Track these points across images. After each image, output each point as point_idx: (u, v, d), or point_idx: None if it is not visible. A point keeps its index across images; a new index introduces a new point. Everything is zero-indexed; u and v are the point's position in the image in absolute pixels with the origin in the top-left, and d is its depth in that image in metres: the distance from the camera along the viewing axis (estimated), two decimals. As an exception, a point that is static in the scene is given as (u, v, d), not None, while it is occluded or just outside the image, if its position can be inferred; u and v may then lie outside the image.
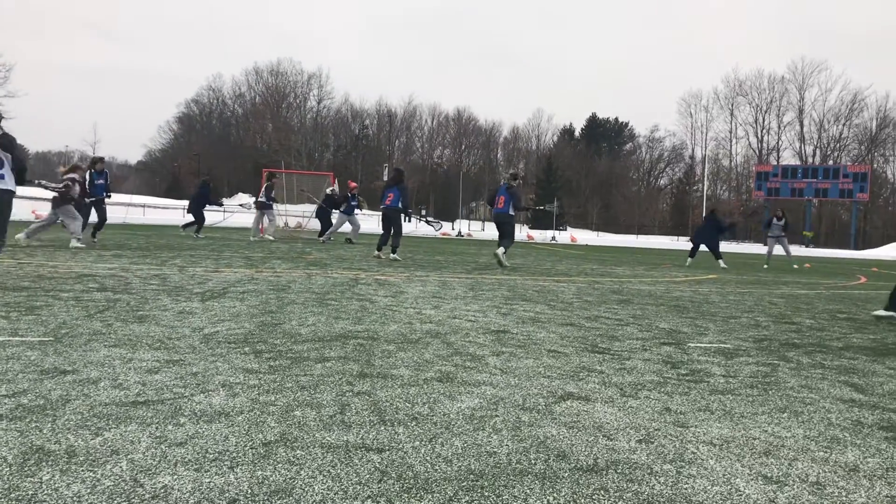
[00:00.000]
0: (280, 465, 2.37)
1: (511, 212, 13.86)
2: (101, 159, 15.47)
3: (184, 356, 3.99)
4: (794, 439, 3.00)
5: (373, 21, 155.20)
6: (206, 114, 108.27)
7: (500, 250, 13.52)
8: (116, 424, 2.71)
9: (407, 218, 19.03)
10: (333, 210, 21.88)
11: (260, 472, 2.30)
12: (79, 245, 12.65)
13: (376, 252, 14.27)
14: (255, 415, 2.93)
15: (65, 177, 13.25)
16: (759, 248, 53.87)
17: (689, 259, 19.33)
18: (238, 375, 3.59)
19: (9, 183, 7.79)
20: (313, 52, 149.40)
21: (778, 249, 21.94)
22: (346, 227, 21.84)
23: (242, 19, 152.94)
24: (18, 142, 7.93)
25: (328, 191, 22.47)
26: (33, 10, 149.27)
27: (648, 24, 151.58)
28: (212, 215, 43.71)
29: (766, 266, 20.60)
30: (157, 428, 2.69)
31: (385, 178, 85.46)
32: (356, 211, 21.65)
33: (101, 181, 14.87)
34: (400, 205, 14.29)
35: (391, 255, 14.02)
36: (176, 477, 2.22)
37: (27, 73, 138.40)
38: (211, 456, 2.42)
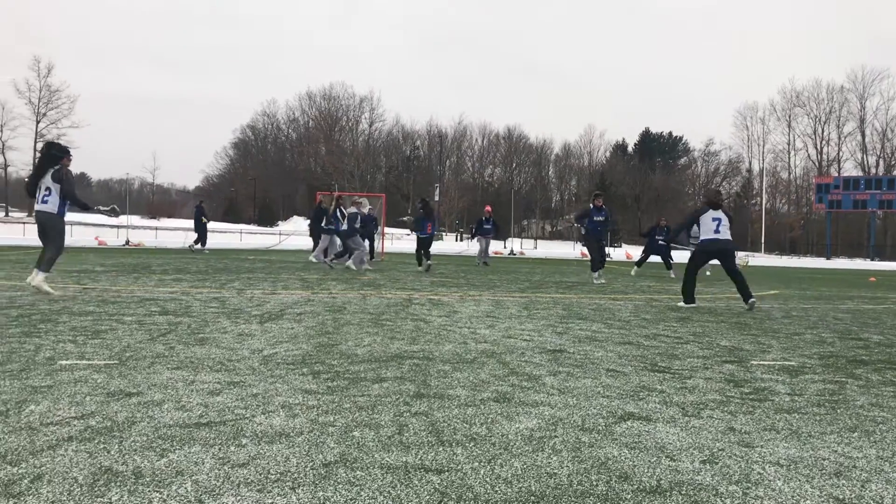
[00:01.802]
0: (341, 486, 2.38)
1: (583, 231, 14.23)
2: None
3: (244, 378, 4.06)
4: (866, 460, 2.90)
5: (422, 42, 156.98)
6: (261, 139, 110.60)
7: (594, 275, 14.39)
8: (181, 446, 2.76)
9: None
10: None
11: (321, 493, 2.31)
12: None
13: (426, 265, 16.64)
14: (315, 435, 2.95)
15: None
16: (821, 262, 52.44)
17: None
18: (297, 396, 3.63)
19: (51, 207, 8.69)
20: (365, 75, 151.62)
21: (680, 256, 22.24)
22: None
23: (295, 45, 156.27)
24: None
25: (366, 210, 22.65)
26: (95, 42, 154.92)
27: (700, 36, 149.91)
28: (268, 238, 44.50)
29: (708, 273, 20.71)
30: (219, 449, 2.74)
31: (436, 198, 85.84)
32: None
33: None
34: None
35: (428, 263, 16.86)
36: (239, 498, 2.25)
37: (90, 103, 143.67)
38: (273, 477, 2.45)
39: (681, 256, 19.43)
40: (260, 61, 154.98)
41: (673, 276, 18.27)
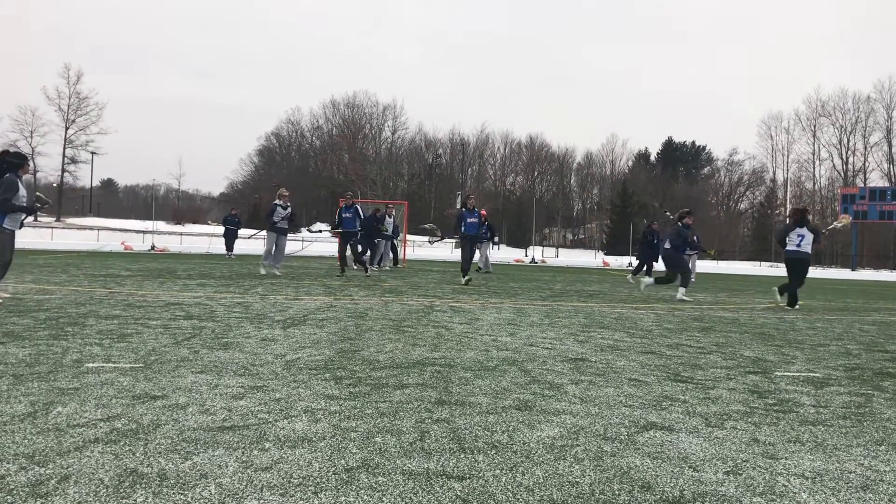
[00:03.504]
0: (363, 491, 2.39)
1: (666, 246, 14.30)
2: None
3: (267, 382, 4.09)
4: (893, 473, 2.86)
5: (446, 51, 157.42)
6: (285, 146, 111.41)
7: (680, 291, 14.19)
8: (205, 449, 2.79)
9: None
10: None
11: (343, 498, 2.32)
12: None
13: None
14: (338, 441, 2.97)
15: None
16: (846, 273, 51.85)
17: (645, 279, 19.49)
18: (320, 401, 3.65)
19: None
20: (388, 84, 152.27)
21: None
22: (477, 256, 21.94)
23: (320, 53, 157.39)
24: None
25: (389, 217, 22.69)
26: (124, 48, 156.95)
27: (725, 44, 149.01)
28: (291, 244, 44.76)
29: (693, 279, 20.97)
30: (243, 453, 2.76)
31: (458, 206, 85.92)
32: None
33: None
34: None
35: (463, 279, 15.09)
36: (262, 501, 2.27)
37: (117, 108, 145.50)
38: (296, 481, 2.47)
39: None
40: (285, 69, 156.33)
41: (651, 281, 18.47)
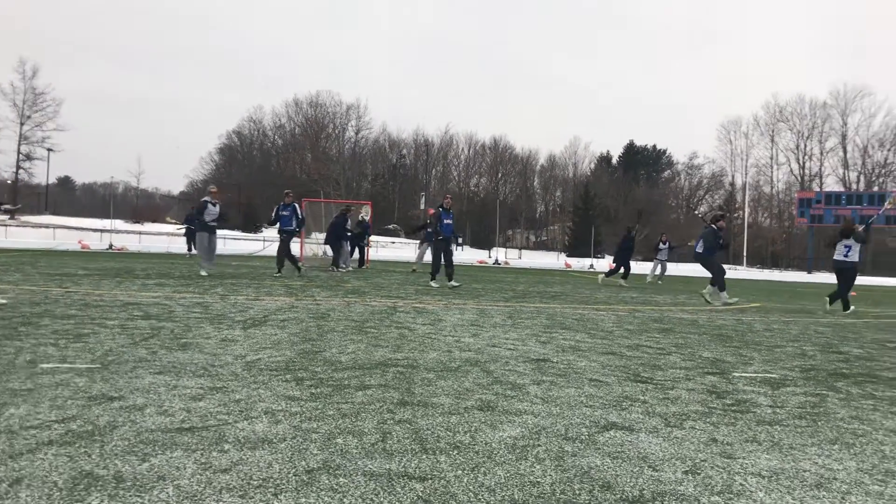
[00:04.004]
0: (323, 493, 2.37)
1: (699, 249, 14.56)
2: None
3: (227, 383, 4.04)
4: (846, 472, 2.92)
5: (410, 52, 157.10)
6: (246, 144, 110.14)
7: (707, 289, 14.51)
8: (162, 450, 2.74)
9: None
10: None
11: (304, 500, 2.30)
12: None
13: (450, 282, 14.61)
14: (298, 442, 2.94)
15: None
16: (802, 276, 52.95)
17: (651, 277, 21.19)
18: (280, 403, 3.62)
19: None
20: (351, 83, 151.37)
21: (659, 269, 23.80)
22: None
23: (283, 51, 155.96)
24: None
25: (359, 217, 22.55)
26: (80, 43, 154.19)
27: (685, 50, 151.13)
28: (252, 244, 44.34)
29: (649, 281, 22.66)
30: (202, 454, 2.72)
31: (422, 207, 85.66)
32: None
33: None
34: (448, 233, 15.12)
35: (448, 283, 14.59)
36: (221, 503, 2.24)
37: (74, 105, 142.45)
38: (255, 483, 2.44)
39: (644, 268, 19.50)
40: (247, 67, 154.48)
41: (625, 284, 19.51)
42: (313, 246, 25.65)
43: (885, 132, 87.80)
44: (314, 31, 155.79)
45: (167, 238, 39.74)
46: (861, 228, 13.65)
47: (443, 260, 14.65)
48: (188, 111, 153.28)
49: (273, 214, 15.82)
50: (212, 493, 2.32)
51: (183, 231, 25.00)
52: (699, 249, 14.49)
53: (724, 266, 16.55)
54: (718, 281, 14.30)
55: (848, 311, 12.83)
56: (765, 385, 4.87)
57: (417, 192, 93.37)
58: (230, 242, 48.39)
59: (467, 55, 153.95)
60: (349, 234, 20.45)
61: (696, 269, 24.80)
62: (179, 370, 4.37)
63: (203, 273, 14.44)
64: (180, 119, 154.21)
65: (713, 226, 14.73)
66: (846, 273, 13.24)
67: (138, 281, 12.06)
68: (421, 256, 22.01)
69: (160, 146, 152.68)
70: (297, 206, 15.79)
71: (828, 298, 13.65)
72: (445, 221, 14.70)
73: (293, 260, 15.73)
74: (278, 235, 15.58)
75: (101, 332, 5.79)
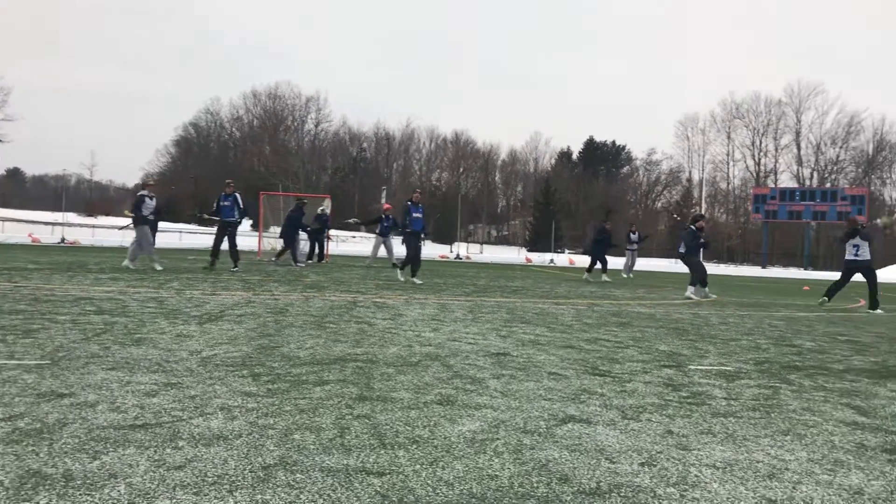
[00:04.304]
0: (280, 489, 2.34)
1: (681, 249, 14.91)
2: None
3: (181, 379, 3.97)
4: (797, 462, 2.98)
5: (370, 44, 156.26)
6: (203, 137, 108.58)
7: (689, 289, 14.69)
8: (114, 448, 2.68)
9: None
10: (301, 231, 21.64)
11: (259, 496, 2.27)
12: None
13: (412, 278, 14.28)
14: (254, 438, 2.90)
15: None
16: (758, 270, 54.00)
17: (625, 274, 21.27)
18: (236, 399, 3.57)
19: None
20: (311, 76, 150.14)
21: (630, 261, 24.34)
22: (383, 252, 21.63)
23: (240, 42, 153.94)
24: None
25: (319, 210, 22.30)
26: (29, 32, 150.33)
27: (645, 47, 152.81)
28: (209, 238, 43.81)
29: (625, 276, 22.79)
30: (155, 451, 2.67)
31: (383, 201, 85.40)
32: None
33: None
34: (397, 225, 14.60)
35: (412, 278, 14.27)
36: (174, 501, 2.20)
37: (24, 95, 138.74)
38: (210, 479, 2.40)
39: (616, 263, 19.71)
40: (204, 58, 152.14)
41: (591, 279, 19.72)
42: (272, 240, 25.41)
43: (836, 130, 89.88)
44: (273, 21, 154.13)
45: (121, 232, 38.98)
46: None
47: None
48: (143, 102, 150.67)
49: (214, 205, 15.41)
50: (165, 491, 2.27)
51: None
52: (681, 250, 14.89)
53: (680, 261, 16.91)
54: (700, 279, 14.65)
55: (877, 311, 12.75)
56: (720, 378, 4.95)
57: (378, 186, 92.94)
58: (186, 236, 47.69)
59: (429, 48, 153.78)
60: (307, 228, 20.21)
61: (648, 264, 25.17)
62: (133, 366, 4.28)
63: (158, 267, 14.15)
64: (135, 110, 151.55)
65: (692, 227, 15.06)
66: (864, 272, 13.22)
67: (91, 275, 11.81)
68: (375, 252, 21.84)
69: (114, 137, 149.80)
70: (238, 196, 15.29)
71: (825, 298, 13.72)
72: (415, 215, 14.40)
73: (236, 256, 15.29)
74: (219, 227, 15.17)
75: (52, 328, 5.65)
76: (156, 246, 25.79)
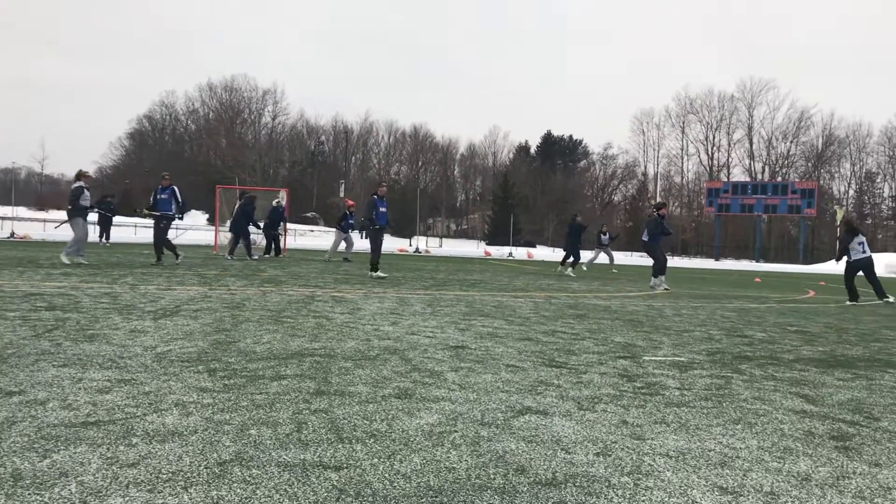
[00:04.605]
0: (236, 485, 2.33)
1: (644, 237, 15.24)
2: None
3: (136, 375, 3.91)
4: (748, 450, 3.05)
5: (328, 37, 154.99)
6: (158, 129, 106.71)
7: (653, 280, 14.99)
8: (66, 446, 2.64)
9: (362, 234, 19.07)
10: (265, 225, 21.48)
11: (215, 492, 2.25)
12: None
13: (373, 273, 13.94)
14: (210, 434, 2.87)
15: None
16: (711, 263, 54.91)
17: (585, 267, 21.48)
18: (192, 394, 3.53)
19: None
20: (268, 68, 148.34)
21: (603, 258, 25.63)
22: (342, 246, 21.51)
23: (196, 33, 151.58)
24: None
25: (274, 203, 22.01)
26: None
27: (600, 42, 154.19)
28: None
29: (585, 269, 23.21)
30: (108, 449, 2.63)
31: (342, 195, 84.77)
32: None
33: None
34: (364, 219, 14.37)
35: (371, 273, 13.93)
36: (127, 499, 2.17)
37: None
38: (164, 476, 2.37)
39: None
40: (158, 49, 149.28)
41: (585, 268, 20.75)
42: (229, 234, 25.09)
43: (787, 125, 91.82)
44: (227, 13, 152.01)
45: (63, 227, 38.25)
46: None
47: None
48: (95, 94, 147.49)
49: (152, 199, 14.94)
50: (118, 489, 2.24)
51: (96, 219, 23.99)
52: (645, 238, 15.00)
53: (636, 254, 17.19)
54: (660, 268, 14.81)
55: (892, 299, 13.47)
56: (673, 368, 5.03)
57: (337, 179, 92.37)
58: (141, 230, 46.89)
59: (386, 42, 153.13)
60: (257, 223, 19.79)
61: (605, 257, 25.50)
62: (85, 362, 4.20)
63: (84, 261, 13.49)
64: (88, 102, 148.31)
65: (657, 213, 15.21)
66: (867, 269, 13.56)
67: (42, 270, 11.55)
68: (336, 247, 21.73)
69: (66, 130, 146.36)
70: (175, 189, 14.90)
71: (848, 300, 13.61)
72: (381, 210, 14.10)
73: (171, 246, 14.91)
74: (156, 221, 14.77)
75: (1, 325, 5.52)
76: (111, 240, 25.47)
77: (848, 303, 13.40)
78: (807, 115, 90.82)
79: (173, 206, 14.83)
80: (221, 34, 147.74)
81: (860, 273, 13.75)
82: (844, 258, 13.80)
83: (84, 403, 3.26)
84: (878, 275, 14.09)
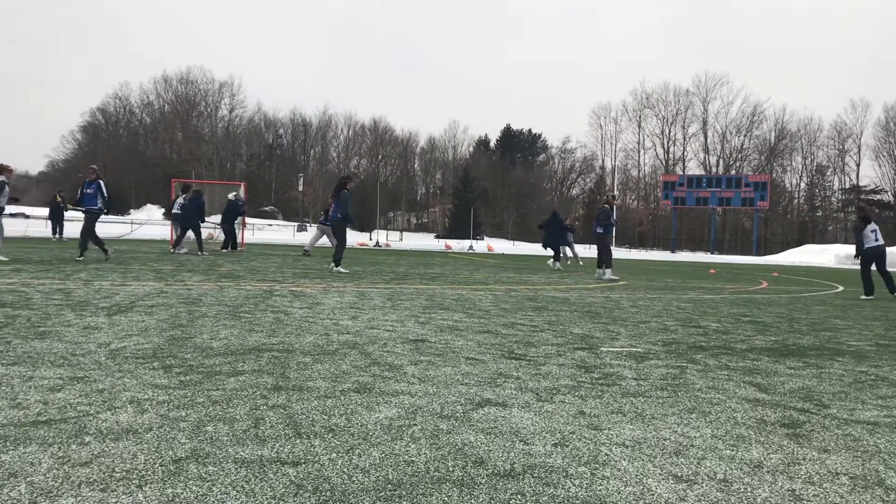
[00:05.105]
0: (191, 482, 2.30)
1: (599, 230, 15.22)
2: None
3: (89, 373, 3.83)
4: (702, 439, 3.11)
5: (286, 29, 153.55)
6: (112, 123, 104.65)
7: (600, 272, 15.06)
8: (15, 446, 2.58)
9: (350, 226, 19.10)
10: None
11: (170, 490, 2.22)
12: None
13: (336, 267, 13.76)
14: (165, 431, 2.83)
15: None
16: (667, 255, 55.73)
17: (557, 263, 21.11)
18: (147, 391, 3.47)
19: None
20: (225, 61, 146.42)
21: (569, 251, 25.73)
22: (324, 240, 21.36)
23: (151, 25, 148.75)
24: None
25: (230, 196, 21.75)
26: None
27: (559, 36, 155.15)
28: (119, 227, 42.32)
29: (569, 263, 23.60)
30: (59, 448, 2.57)
31: (300, 188, 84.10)
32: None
33: None
34: (339, 215, 14.08)
35: (334, 267, 13.74)
36: (80, 498, 2.13)
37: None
38: (118, 475, 2.33)
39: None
40: (111, 41, 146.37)
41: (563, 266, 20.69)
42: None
43: (741, 119, 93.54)
44: (182, 4, 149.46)
45: (25, 222, 37.27)
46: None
47: (334, 242, 14.07)
48: (48, 86, 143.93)
49: (79, 193, 14.49)
50: (69, 489, 2.20)
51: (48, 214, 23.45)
52: (599, 230, 15.16)
53: (593, 246, 17.51)
54: (607, 260, 15.05)
55: None
56: (630, 359, 5.10)
57: (295, 173, 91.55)
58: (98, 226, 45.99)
59: (345, 33, 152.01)
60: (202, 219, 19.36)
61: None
62: (36, 360, 4.11)
63: (3, 258, 12.97)
64: (39, 94, 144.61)
65: (606, 206, 15.47)
66: (879, 259, 12.97)
67: (-9, 267, 11.25)
68: (316, 239, 21.66)
69: (15, 122, 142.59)
70: (101, 183, 14.40)
71: (870, 296, 12.93)
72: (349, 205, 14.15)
73: (98, 242, 14.35)
74: (83, 215, 14.25)
75: (-53, 323, 5.37)
76: (64, 236, 24.83)
77: (863, 297, 12.84)
78: (759, 109, 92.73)
79: (99, 201, 14.29)
80: (176, 26, 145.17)
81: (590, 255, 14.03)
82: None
83: (34, 402, 3.19)
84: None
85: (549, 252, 21.13)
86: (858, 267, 13.47)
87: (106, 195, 14.43)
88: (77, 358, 4.23)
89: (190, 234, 18.44)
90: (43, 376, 3.71)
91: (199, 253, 18.02)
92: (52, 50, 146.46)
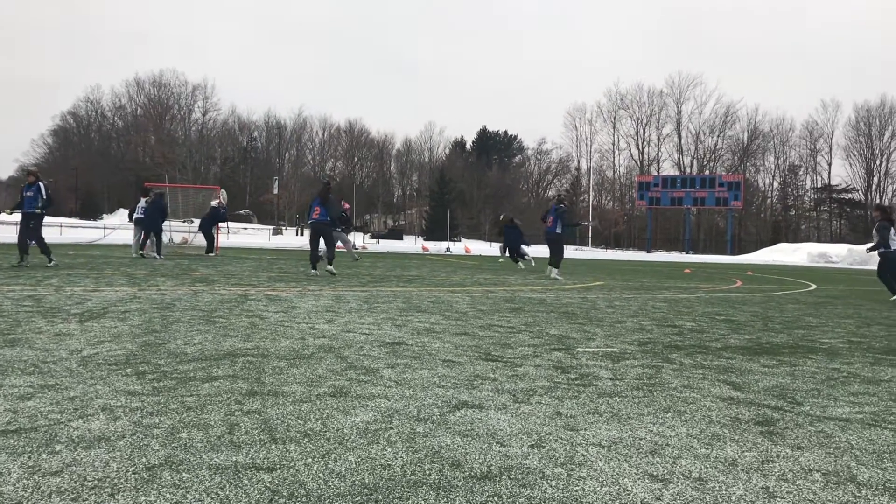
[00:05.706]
0: (165, 490, 2.27)
1: (559, 230, 15.21)
2: None
3: (60, 380, 3.78)
4: (677, 438, 3.12)
5: (259, 31, 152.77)
6: (83, 126, 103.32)
7: (553, 270, 15.02)
8: (-17, 456, 2.53)
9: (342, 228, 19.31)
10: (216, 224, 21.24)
11: (143, 498, 2.19)
12: None
13: (312, 270, 13.68)
14: (138, 438, 2.80)
15: None
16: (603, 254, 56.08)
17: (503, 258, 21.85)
18: (119, 398, 3.43)
19: None
20: (198, 63, 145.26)
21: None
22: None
23: (122, 28, 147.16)
24: None
25: (214, 203, 21.67)
26: None
27: (536, 37, 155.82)
28: (91, 232, 41.83)
29: (501, 261, 23.99)
30: (29, 457, 2.53)
31: (275, 192, 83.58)
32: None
33: None
34: (328, 218, 14.06)
35: (327, 267, 13.72)
36: (50, 509, 2.09)
37: None
38: (90, 484, 2.30)
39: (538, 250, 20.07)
40: (83, 42, 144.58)
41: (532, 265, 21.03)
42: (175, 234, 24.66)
43: (714, 119, 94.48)
44: (154, 6, 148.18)
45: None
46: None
47: (321, 245, 13.97)
48: (16, 89, 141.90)
49: (20, 196, 13.95)
50: (40, 498, 2.16)
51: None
52: (559, 230, 15.22)
53: (570, 247, 17.69)
54: (558, 260, 15.16)
55: None
56: (606, 359, 5.12)
57: (270, 176, 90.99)
58: (67, 230, 45.38)
59: (319, 35, 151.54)
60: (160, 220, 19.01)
61: (541, 251, 25.84)
62: (6, 368, 4.04)
63: None
64: (7, 97, 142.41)
65: (562, 205, 15.55)
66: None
67: (-41, 273, 11.06)
68: (346, 243, 21.84)
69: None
70: (42, 185, 13.84)
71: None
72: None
73: (44, 248, 13.73)
74: (24, 220, 13.57)
75: (-86, 331, 5.27)
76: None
77: (894, 298, 12.68)
78: (732, 109, 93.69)
79: (39, 203, 13.72)
80: (149, 28, 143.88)
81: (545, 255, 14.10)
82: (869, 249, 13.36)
83: (4, 411, 3.13)
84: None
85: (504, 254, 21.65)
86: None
87: (45, 196, 13.88)
88: (48, 365, 4.17)
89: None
90: (12, 384, 3.65)
91: (157, 256, 17.86)
92: (22, 51, 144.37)
